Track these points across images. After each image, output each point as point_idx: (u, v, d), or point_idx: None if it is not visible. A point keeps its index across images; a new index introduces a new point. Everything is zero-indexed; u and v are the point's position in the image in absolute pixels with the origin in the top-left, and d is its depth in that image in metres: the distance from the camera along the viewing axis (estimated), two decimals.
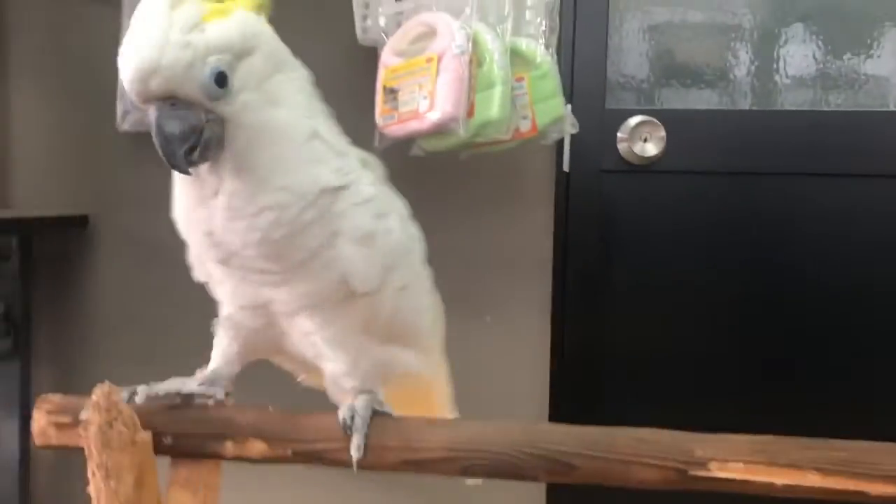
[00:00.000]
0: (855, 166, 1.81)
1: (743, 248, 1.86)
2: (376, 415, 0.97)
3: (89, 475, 0.83)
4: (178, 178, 0.96)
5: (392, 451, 0.90)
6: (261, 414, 0.97)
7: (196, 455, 0.92)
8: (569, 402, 1.94)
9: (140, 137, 2.00)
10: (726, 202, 1.86)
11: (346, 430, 0.93)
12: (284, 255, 0.93)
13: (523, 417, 1.98)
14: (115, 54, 1.97)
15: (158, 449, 0.91)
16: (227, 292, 1.00)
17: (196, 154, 0.88)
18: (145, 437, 0.88)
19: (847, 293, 1.84)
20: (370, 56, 1.79)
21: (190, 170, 0.90)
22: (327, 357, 1.02)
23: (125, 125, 1.99)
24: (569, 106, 1.83)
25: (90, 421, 0.83)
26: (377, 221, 1.04)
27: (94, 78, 2.04)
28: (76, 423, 0.89)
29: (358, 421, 0.95)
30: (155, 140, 0.87)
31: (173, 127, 0.86)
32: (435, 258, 1.98)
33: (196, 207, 0.93)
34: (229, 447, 0.93)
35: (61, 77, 2.09)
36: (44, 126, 2.10)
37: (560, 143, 1.87)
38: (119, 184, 2.07)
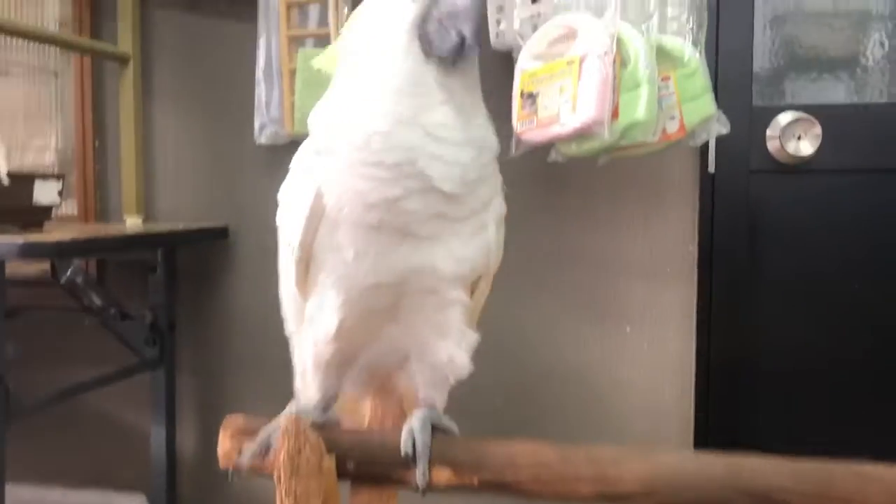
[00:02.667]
0: None
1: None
2: (437, 431, 0.96)
3: (277, 502, 0.82)
4: (393, 92, 0.97)
5: (584, 482, 0.85)
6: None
7: (379, 481, 0.90)
8: (715, 417, 1.84)
9: (276, 150, 2.04)
10: (886, 202, 1.72)
11: (408, 458, 0.91)
12: (466, 200, 0.97)
13: (667, 433, 1.90)
14: (252, 70, 2.02)
15: (341, 474, 0.89)
16: (363, 269, 0.98)
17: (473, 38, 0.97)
18: (331, 463, 0.87)
19: None
20: (505, 61, 1.75)
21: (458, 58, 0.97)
22: (429, 348, 1.02)
23: (262, 139, 2.03)
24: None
25: (279, 448, 0.83)
26: (503, 209, 1.09)
27: (233, 94, 2.09)
28: (265, 451, 0.88)
29: (420, 446, 0.93)
30: (462, 7, 0.96)
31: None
32: (574, 265, 1.94)
33: (402, 128, 0.94)
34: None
35: (201, 94, 2.15)
36: (185, 141, 2.17)
37: (704, 143, 1.78)
38: (257, 195, 2.11)
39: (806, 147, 1.72)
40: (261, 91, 2.01)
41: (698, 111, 1.58)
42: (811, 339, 1.79)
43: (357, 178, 0.94)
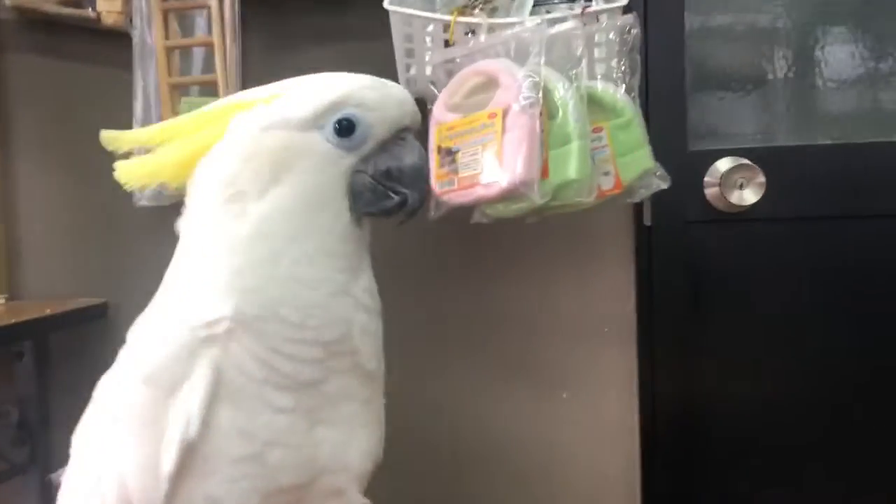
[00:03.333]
0: None
1: (858, 301, 1.60)
2: None
3: None
4: (328, 256, 0.89)
5: None
6: None
7: None
8: (664, 486, 1.69)
9: (159, 212, 1.78)
10: (835, 250, 1.61)
11: None
12: (378, 378, 0.94)
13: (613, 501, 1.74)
14: (129, 122, 1.77)
15: None
16: (270, 465, 0.85)
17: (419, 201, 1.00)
18: None
19: None
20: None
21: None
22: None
23: (143, 200, 1.77)
24: None
25: None
26: None
27: (106, 149, 1.82)
28: None
29: None
30: (409, 170, 0.96)
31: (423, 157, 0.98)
32: (505, 329, 1.75)
33: (339, 299, 0.87)
34: None
35: (71, 150, 1.87)
36: (54, 205, 1.89)
37: None
38: (139, 264, 1.85)
39: (750, 195, 1.58)
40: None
41: (635, 165, 1.42)
42: (763, 398, 1.66)
43: (279, 358, 0.80)
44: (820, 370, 1.64)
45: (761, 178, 1.58)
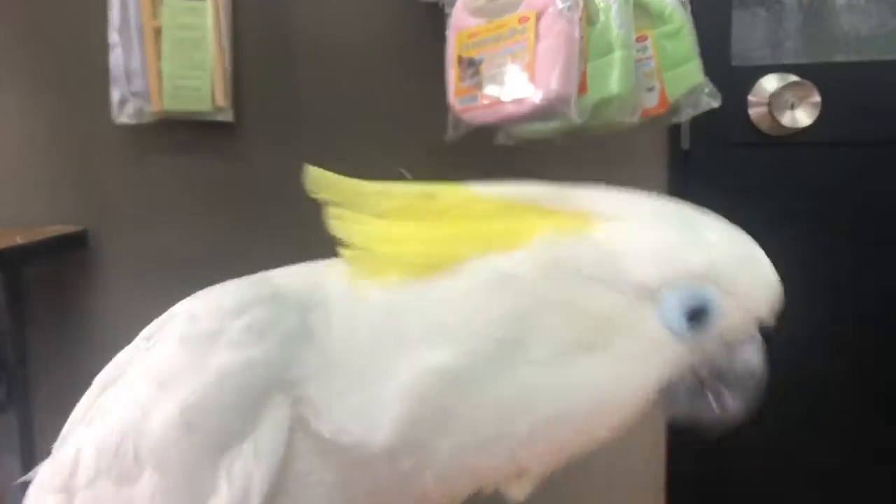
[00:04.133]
0: None
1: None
2: None
3: None
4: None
5: None
6: None
7: None
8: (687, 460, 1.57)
9: (141, 131, 1.61)
10: (891, 177, 1.46)
11: None
12: None
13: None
14: (103, 34, 1.58)
15: None
16: None
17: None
18: None
19: None
20: (435, 15, 1.38)
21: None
22: None
23: (122, 117, 1.60)
24: None
25: None
26: None
27: (83, 62, 1.63)
28: None
29: None
30: (744, 376, 0.67)
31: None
32: None
33: None
34: None
35: (42, 64, 1.68)
36: (26, 126, 1.70)
37: None
38: (120, 188, 1.69)
39: (802, 117, 1.43)
40: (117, 57, 1.57)
41: (683, 80, 1.26)
42: (799, 343, 1.53)
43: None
44: (870, 311, 1.51)
45: (816, 98, 1.42)
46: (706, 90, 1.28)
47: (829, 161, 1.47)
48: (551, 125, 1.24)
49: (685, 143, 1.49)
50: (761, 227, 1.54)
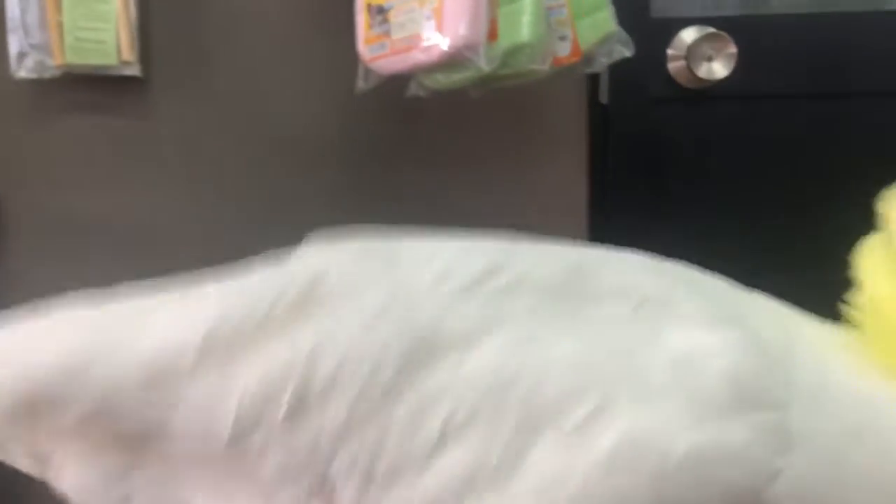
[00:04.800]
0: None
1: (835, 185, 1.46)
2: None
3: None
4: None
5: None
6: None
7: None
8: None
9: (43, 86, 1.53)
10: (813, 132, 1.46)
11: None
12: None
13: None
14: None
15: None
16: None
17: None
18: None
19: None
20: None
21: None
22: None
23: (21, 71, 1.52)
24: None
25: None
26: None
27: None
28: None
29: None
30: None
31: None
32: (444, 220, 1.58)
33: None
34: None
35: None
36: None
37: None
38: (23, 148, 1.61)
39: (719, 69, 1.41)
40: (13, 7, 1.49)
41: (595, 29, 1.24)
42: None
43: None
44: (784, 256, 1.51)
45: (732, 49, 1.41)
46: (619, 39, 1.26)
47: (747, 114, 1.46)
48: (461, 74, 1.20)
49: (604, 98, 1.47)
50: (682, 180, 1.56)
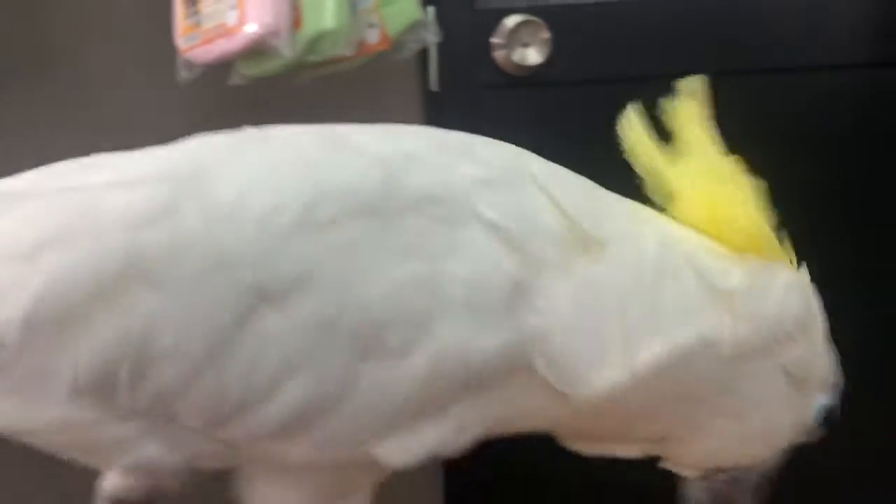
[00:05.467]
0: (777, 59, 1.52)
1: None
2: None
3: None
4: None
5: None
6: None
7: None
8: None
9: None
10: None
11: None
12: None
13: None
14: None
15: None
16: None
17: None
18: None
19: None
20: None
21: None
22: None
23: None
24: (430, 7, 1.47)
25: None
26: None
27: None
28: None
29: None
30: None
31: None
32: None
33: None
34: None
35: None
36: None
37: (425, 56, 1.51)
38: None
39: (533, 55, 1.48)
40: None
41: (401, 16, 1.30)
42: None
43: None
44: None
45: (546, 35, 1.47)
46: (427, 26, 1.31)
47: (569, 99, 1.53)
48: (271, 62, 1.25)
49: (434, 86, 1.52)
50: None
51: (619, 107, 1.53)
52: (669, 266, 0.80)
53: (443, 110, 1.54)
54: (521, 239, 0.74)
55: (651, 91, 0.98)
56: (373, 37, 1.29)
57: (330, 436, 0.71)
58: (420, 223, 0.73)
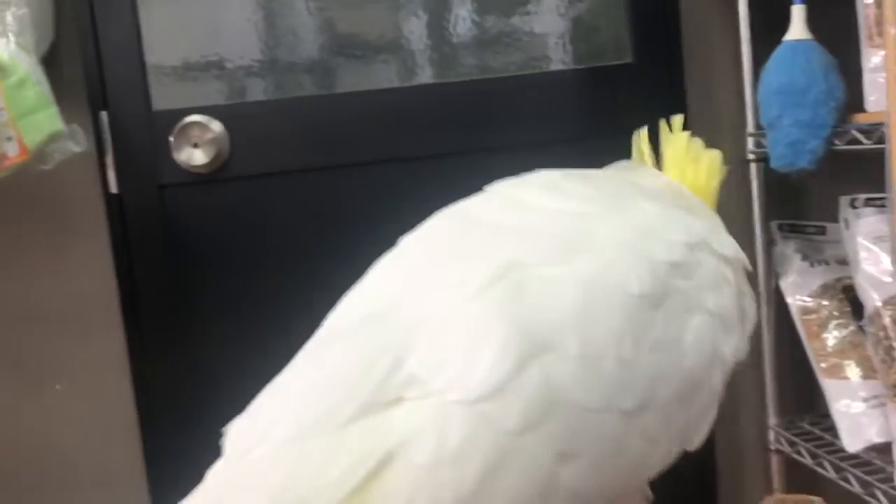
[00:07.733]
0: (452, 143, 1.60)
1: (335, 249, 1.55)
2: None
3: None
4: None
5: None
6: None
7: None
8: (168, 480, 1.56)
9: None
10: (310, 203, 1.57)
11: None
12: None
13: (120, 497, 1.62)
14: None
15: None
16: None
17: None
18: None
19: None
20: None
21: None
22: None
23: None
24: (104, 112, 1.48)
25: None
26: None
27: None
28: None
29: None
30: None
31: None
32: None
33: None
34: None
35: None
36: None
37: (103, 158, 1.51)
38: None
39: (200, 155, 1.50)
40: None
41: (40, 128, 1.29)
42: (255, 355, 1.59)
43: None
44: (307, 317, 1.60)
45: (221, 133, 1.50)
46: (72, 136, 1.31)
47: (249, 192, 1.56)
48: None
49: (114, 188, 1.52)
50: (199, 265, 1.60)
51: (295, 198, 1.59)
52: None
53: (126, 212, 1.54)
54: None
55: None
56: (13, 150, 1.27)
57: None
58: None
